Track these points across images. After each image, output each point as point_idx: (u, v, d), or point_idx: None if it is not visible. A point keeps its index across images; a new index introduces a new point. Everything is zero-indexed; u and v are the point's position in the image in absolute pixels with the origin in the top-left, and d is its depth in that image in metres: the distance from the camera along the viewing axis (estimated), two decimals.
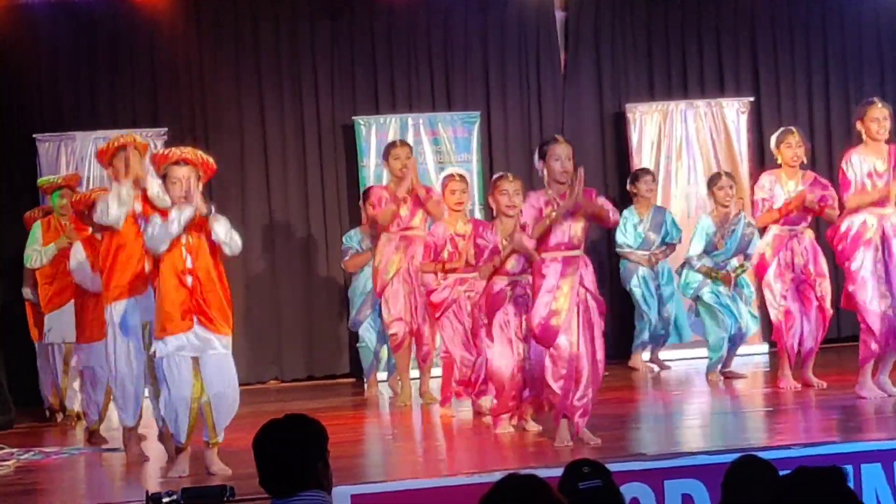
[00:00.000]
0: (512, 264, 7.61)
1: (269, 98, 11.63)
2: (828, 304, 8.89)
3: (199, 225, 6.81)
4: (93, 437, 8.45)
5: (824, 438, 6.91)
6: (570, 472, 3.71)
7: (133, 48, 11.43)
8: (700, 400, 9.34)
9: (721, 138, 11.75)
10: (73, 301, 8.74)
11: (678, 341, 10.76)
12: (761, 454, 4.21)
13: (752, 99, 11.95)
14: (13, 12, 11.20)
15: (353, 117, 11.49)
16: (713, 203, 9.77)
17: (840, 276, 8.88)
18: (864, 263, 8.14)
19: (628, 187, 10.90)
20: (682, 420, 8.50)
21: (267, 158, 11.63)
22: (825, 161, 11.70)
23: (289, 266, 11.63)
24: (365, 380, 10.43)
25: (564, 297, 7.03)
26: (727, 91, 12.09)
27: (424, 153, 11.29)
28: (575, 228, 7.10)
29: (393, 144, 9.65)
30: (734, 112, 11.80)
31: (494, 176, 8.26)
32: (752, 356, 10.93)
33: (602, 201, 7.25)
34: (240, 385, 7.11)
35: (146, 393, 7.57)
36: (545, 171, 7.18)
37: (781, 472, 3.85)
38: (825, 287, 8.90)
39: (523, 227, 7.11)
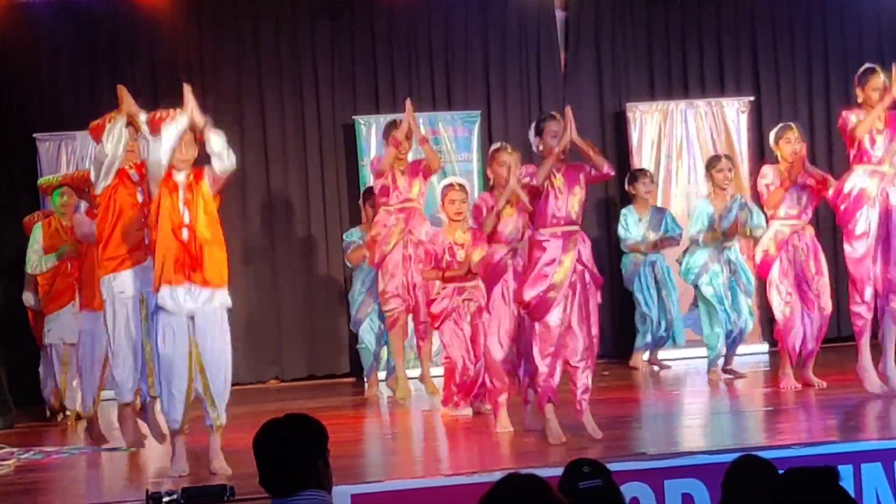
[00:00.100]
0: (510, 229, 7.66)
1: (269, 98, 11.63)
2: (825, 301, 8.89)
3: (196, 179, 6.86)
4: (91, 430, 8.43)
5: (824, 438, 6.90)
6: (570, 472, 3.70)
7: (133, 48, 11.44)
8: (700, 400, 9.34)
9: (721, 138, 11.75)
10: (72, 303, 8.74)
11: (672, 343, 10.77)
12: (761, 454, 4.21)
13: (752, 98, 11.95)
14: (13, 11, 11.20)
15: (354, 117, 11.50)
16: (711, 185, 9.73)
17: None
18: (863, 224, 8.18)
19: (626, 188, 10.90)
20: (682, 420, 8.50)
21: (267, 158, 11.64)
22: (825, 160, 11.68)
23: (289, 266, 11.63)
24: (365, 380, 10.44)
25: (564, 271, 7.05)
26: (727, 90, 12.09)
27: None
28: (572, 203, 7.14)
29: (392, 123, 9.67)
30: (734, 111, 11.80)
31: (493, 147, 8.32)
32: (752, 356, 10.93)
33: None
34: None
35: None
36: (542, 148, 7.21)
37: (781, 472, 3.85)
38: (823, 284, 8.90)
39: (530, 175, 7.14)
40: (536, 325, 7.11)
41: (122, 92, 7.55)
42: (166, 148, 6.77)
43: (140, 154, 7.49)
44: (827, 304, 8.89)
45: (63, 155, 11.01)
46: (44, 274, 9.39)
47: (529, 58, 12.03)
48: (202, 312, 6.76)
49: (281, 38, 11.68)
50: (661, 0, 12.20)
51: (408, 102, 9.56)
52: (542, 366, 7.09)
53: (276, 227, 11.63)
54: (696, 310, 9.94)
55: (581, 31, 12.12)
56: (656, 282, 10.63)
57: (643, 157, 11.62)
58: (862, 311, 8.27)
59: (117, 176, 7.50)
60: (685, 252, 9.85)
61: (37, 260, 9.36)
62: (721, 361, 9.72)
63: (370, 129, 11.32)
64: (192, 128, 6.84)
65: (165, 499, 5.82)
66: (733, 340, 9.70)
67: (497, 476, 3.15)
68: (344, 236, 10.63)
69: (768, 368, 10.43)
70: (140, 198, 7.44)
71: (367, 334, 10.24)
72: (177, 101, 11.30)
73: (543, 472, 3.22)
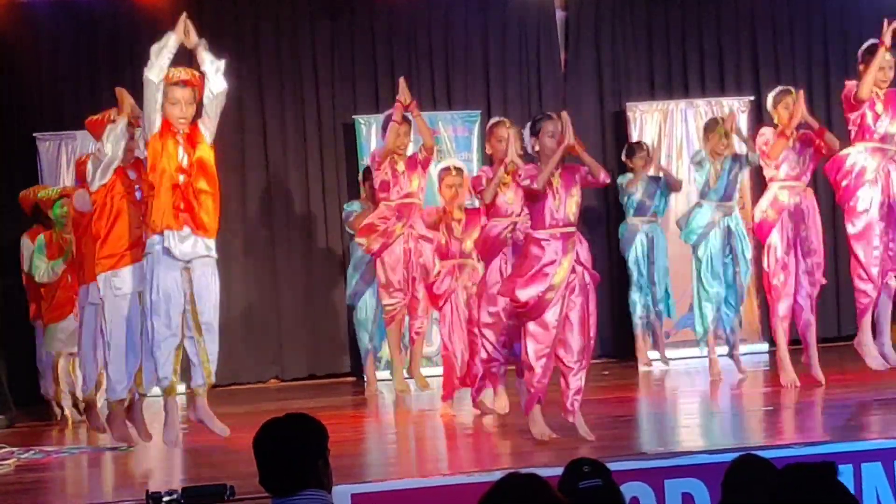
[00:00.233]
0: (510, 198, 7.68)
1: (269, 97, 11.64)
2: (819, 276, 8.84)
3: (193, 132, 7.07)
4: (90, 413, 8.40)
5: (824, 438, 6.90)
6: (570, 472, 3.70)
7: (133, 48, 11.39)
8: (700, 399, 9.34)
9: None
10: (72, 314, 8.76)
11: (667, 315, 10.79)
12: (761, 454, 4.20)
13: (752, 98, 11.95)
14: (14, 11, 11.21)
15: (354, 116, 11.50)
16: (707, 149, 9.59)
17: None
18: (864, 201, 8.20)
19: (623, 159, 10.95)
20: (682, 419, 8.49)
21: (267, 158, 11.64)
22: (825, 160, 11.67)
23: (289, 265, 11.63)
24: (363, 364, 10.41)
25: (563, 272, 7.05)
26: (727, 90, 12.10)
27: None
28: (570, 204, 7.14)
29: (389, 116, 9.68)
30: (734, 111, 11.78)
31: (491, 121, 8.34)
32: (753, 356, 10.93)
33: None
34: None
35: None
36: (538, 148, 7.22)
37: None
38: (818, 259, 8.84)
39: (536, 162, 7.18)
40: (531, 324, 7.10)
41: (122, 94, 7.60)
42: (164, 54, 7.08)
43: (139, 152, 7.52)
44: (821, 278, 8.86)
45: (63, 155, 11.01)
46: (48, 285, 9.36)
47: (529, 58, 12.04)
48: (201, 263, 6.87)
49: (281, 38, 11.69)
50: (660, 0, 12.21)
51: (401, 80, 9.51)
52: (537, 367, 7.07)
53: (276, 226, 11.63)
54: (692, 313, 9.93)
55: (581, 31, 12.13)
56: (652, 249, 10.68)
57: None
58: (868, 288, 8.26)
59: (115, 174, 7.52)
60: (693, 208, 9.74)
61: (45, 268, 9.34)
62: (717, 345, 9.67)
63: (370, 129, 11.32)
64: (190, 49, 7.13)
65: (165, 498, 5.81)
66: (735, 308, 9.55)
67: (497, 476, 3.15)
68: (344, 206, 10.66)
69: (768, 368, 10.43)
70: (138, 195, 7.46)
71: (362, 312, 10.29)
72: None
73: (543, 472, 3.22)
